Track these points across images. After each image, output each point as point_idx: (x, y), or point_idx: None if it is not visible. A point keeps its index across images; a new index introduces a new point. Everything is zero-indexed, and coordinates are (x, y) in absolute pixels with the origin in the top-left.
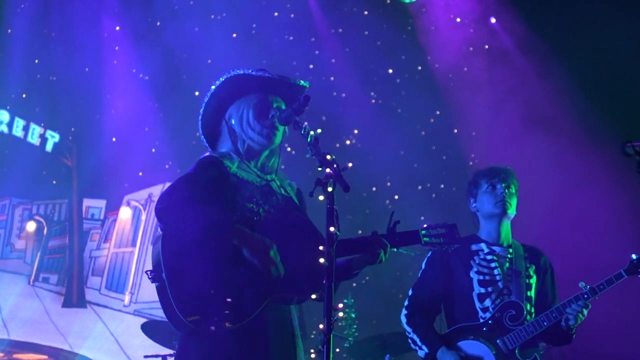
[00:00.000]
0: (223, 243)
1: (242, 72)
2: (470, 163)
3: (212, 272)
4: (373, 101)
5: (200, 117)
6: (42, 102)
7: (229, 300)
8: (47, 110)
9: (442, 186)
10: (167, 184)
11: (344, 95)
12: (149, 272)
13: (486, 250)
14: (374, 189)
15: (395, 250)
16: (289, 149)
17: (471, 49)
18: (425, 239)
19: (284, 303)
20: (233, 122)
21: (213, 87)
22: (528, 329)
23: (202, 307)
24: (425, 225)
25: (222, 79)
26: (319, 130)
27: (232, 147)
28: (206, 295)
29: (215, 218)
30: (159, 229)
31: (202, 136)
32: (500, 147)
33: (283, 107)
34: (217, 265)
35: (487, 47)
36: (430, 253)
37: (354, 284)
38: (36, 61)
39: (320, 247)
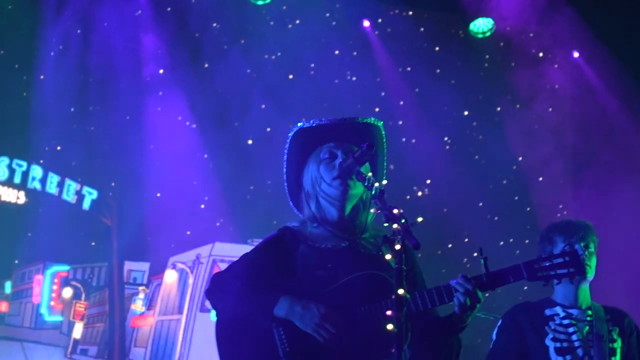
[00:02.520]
0: (253, 330)
1: (300, 125)
2: (558, 215)
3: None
4: (447, 147)
5: (286, 190)
6: (78, 155)
7: None
8: (84, 164)
9: (526, 242)
10: (218, 244)
11: (414, 141)
12: None
13: (562, 314)
14: (449, 245)
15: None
16: None
17: (557, 86)
18: (538, 273)
19: None
20: (307, 184)
21: (285, 154)
22: None
23: None
24: (533, 259)
25: (287, 142)
26: (385, 182)
27: (309, 211)
28: None
29: (248, 308)
30: None
31: (294, 208)
32: (592, 196)
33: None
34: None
35: (572, 84)
36: (500, 321)
37: None
38: (72, 110)
39: (388, 312)
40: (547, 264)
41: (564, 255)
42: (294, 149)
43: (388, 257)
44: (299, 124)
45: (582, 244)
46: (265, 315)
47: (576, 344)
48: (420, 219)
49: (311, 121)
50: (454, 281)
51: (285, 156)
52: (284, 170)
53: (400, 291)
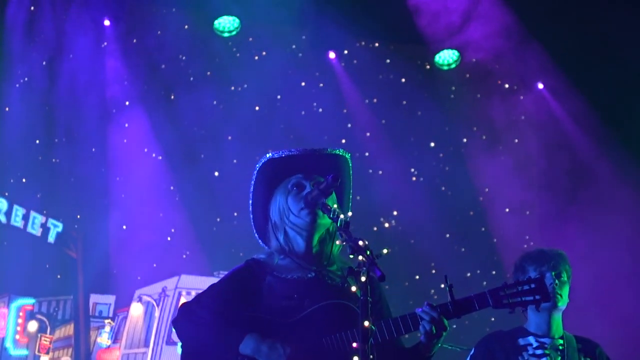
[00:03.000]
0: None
1: (270, 156)
2: (525, 245)
3: None
4: (414, 178)
5: (252, 222)
6: (43, 188)
7: None
8: (49, 196)
9: (493, 272)
10: (184, 277)
11: (380, 172)
12: None
13: (535, 344)
14: (417, 277)
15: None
16: None
17: (522, 118)
18: (504, 300)
19: None
20: (274, 215)
21: (252, 185)
22: None
23: None
24: (499, 286)
25: (255, 172)
26: (350, 213)
27: (276, 242)
28: None
29: (211, 339)
30: None
31: (259, 239)
32: (558, 227)
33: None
34: None
35: (538, 115)
36: (473, 350)
37: None
38: (37, 142)
39: (354, 344)
40: (513, 291)
41: (529, 282)
42: (262, 179)
43: (354, 289)
44: (268, 155)
45: (553, 273)
46: (231, 352)
47: None
48: (386, 251)
49: (280, 152)
50: (419, 309)
51: (252, 187)
52: (250, 201)
53: (366, 323)
